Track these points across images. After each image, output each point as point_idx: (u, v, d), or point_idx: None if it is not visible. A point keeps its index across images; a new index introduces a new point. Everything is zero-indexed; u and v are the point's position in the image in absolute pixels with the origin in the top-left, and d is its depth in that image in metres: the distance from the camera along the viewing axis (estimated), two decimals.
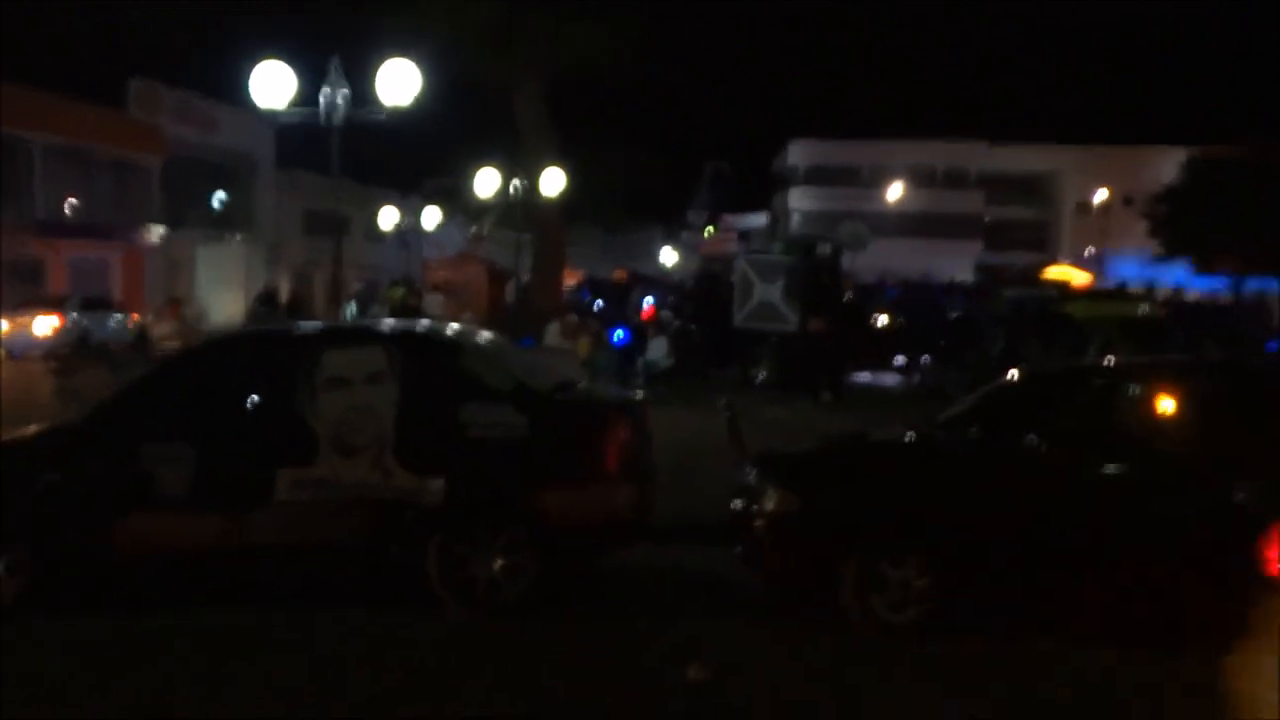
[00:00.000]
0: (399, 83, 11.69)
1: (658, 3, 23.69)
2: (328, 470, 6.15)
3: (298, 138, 38.94)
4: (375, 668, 5.48)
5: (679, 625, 6.03)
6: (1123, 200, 60.14)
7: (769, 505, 6.07)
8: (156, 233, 33.79)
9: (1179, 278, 41.34)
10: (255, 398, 6.41)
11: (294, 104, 11.71)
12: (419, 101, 11.99)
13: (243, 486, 6.17)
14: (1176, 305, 19.95)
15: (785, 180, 71.05)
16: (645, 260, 54.24)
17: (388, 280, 40.29)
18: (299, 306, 31.55)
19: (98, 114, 31.34)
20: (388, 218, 34.77)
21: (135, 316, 27.56)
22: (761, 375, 16.74)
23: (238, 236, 38.87)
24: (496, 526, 6.14)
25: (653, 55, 23.97)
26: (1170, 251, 31.99)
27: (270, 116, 11.68)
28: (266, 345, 6.98)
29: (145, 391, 6.57)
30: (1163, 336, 13.23)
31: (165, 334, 30.52)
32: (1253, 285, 32.52)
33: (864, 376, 18.83)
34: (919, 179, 65.77)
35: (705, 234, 59.46)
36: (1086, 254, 58.37)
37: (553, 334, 17.51)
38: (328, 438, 6.18)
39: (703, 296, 19.27)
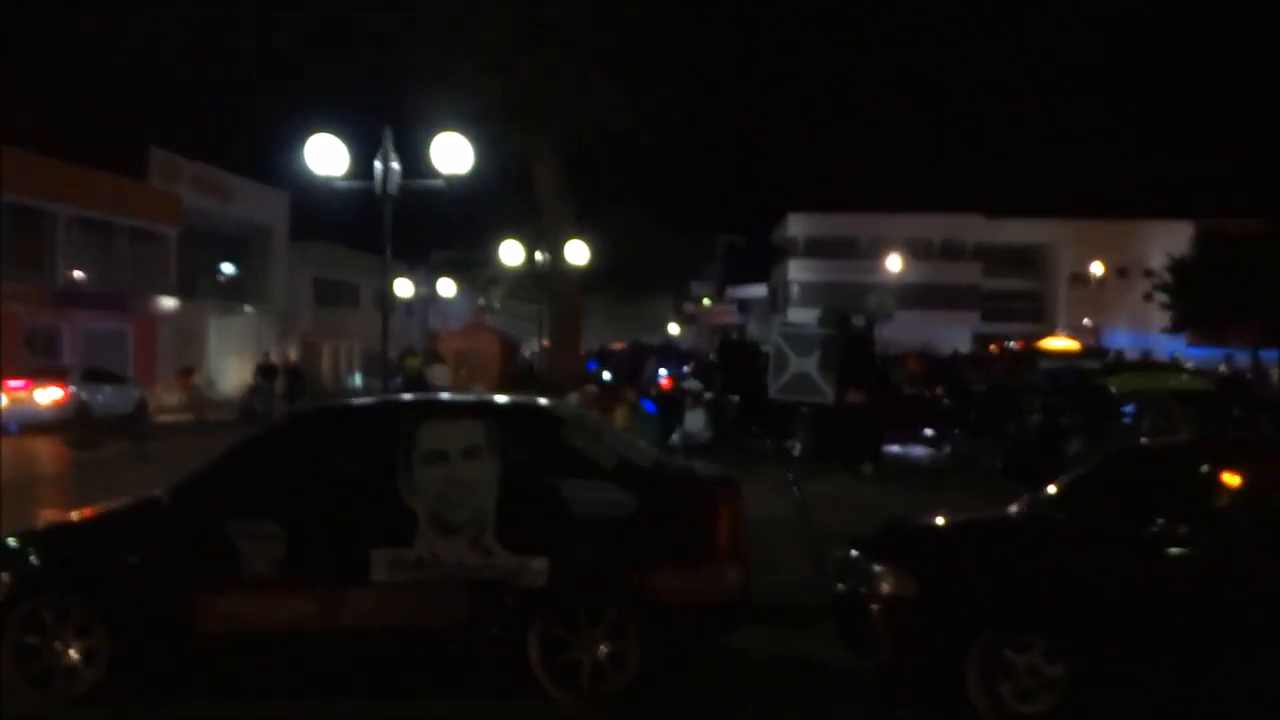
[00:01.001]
0: (453, 153, 11.71)
1: (674, 75, 23.89)
2: (425, 549, 5.92)
3: (310, 209, 39.27)
4: None
5: (800, 715, 5.77)
6: (1117, 273, 61.10)
7: (884, 588, 5.84)
8: (170, 303, 33.73)
9: (1172, 348, 41.51)
10: (348, 473, 6.21)
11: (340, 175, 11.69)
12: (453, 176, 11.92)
13: (336, 566, 5.92)
14: (1221, 377, 19.74)
15: (784, 251, 71.73)
16: (653, 331, 54.38)
17: (398, 349, 39.99)
18: (300, 377, 31.31)
19: (120, 184, 31.51)
20: (403, 288, 34.79)
21: (134, 389, 27.21)
22: (797, 448, 16.51)
23: (248, 308, 38.87)
24: (602, 609, 5.89)
25: (670, 126, 24.20)
26: (1180, 325, 32.08)
27: (325, 185, 11.62)
28: (359, 418, 6.77)
29: (231, 466, 6.32)
30: (1217, 410, 13.06)
31: (174, 405, 30.33)
32: (1241, 356, 32.62)
33: (893, 448, 18.64)
34: (916, 251, 66.50)
35: (704, 304, 59.79)
36: (1085, 325, 58.76)
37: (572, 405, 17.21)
38: (426, 515, 5.96)
39: (733, 367, 19.13)
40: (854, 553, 6.40)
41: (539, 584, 5.88)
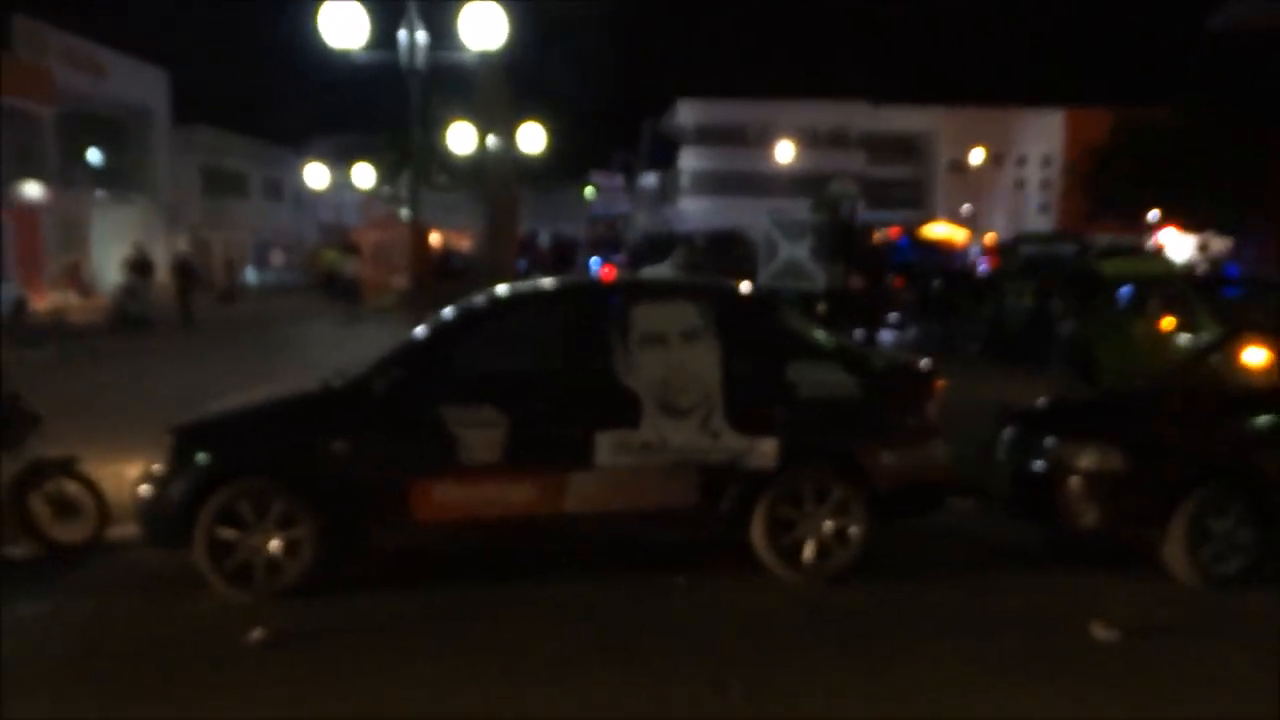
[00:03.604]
0: (485, 26, 10.97)
1: None
2: (653, 432, 5.75)
3: (193, 90, 36.25)
4: (712, 638, 5.16)
5: (1020, 584, 5.99)
6: (993, 160, 63.79)
7: (1086, 463, 6.03)
8: (45, 192, 30.80)
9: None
10: (563, 357, 5.93)
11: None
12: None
13: (559, 450, 5.70)
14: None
15: (675, 140, 71.27)
16: (572, 220, 53.61)
17: (286, 241, 37.99)
18: (192, 272, 29.42)
19: None
20: (317, 176, 32.76)
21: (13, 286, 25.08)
22: None
23: (134, 198, 35.94)
24: (830, 489, 5.90)
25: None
26: (1095, 212, 33.85)
27: (344, 58, 10.68)
28: (568, 300, 6.37)
29: (439, 346, 5.91)
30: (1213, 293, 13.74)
31: (61, 304, 28.02)
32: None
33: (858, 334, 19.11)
34: (803, 138, 67.09)
35: (586, 193, 59.08)
36: (964, 211, 61.19)
37: None
38: (652, 398, 5.77)
39: (718, 254, 19.03)
40: (1012, 430, 6.62)
41: (768, 465, 5.83)
